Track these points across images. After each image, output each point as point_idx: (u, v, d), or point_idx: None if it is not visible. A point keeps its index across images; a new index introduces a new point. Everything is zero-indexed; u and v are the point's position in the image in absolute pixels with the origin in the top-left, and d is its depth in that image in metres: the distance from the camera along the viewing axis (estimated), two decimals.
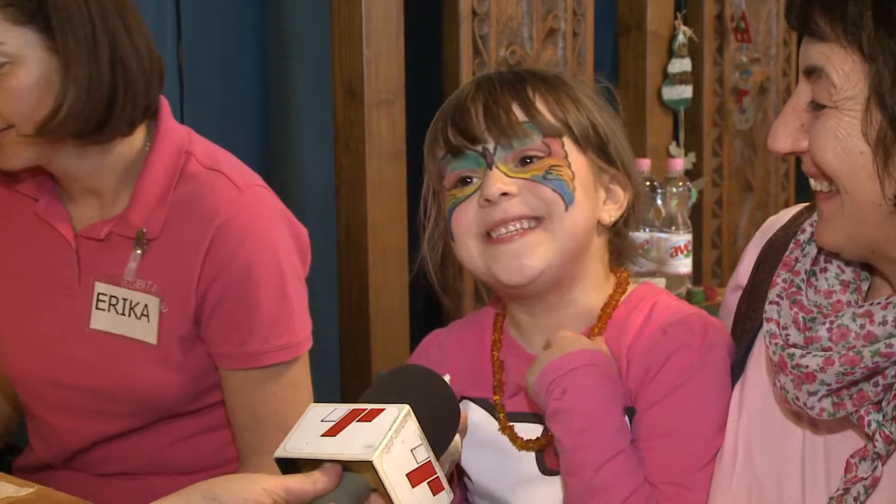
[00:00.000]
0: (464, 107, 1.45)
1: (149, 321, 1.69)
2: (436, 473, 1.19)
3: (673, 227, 2.80)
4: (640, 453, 1.37)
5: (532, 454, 1.45)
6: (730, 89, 3.24)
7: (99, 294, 1.71)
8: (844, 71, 1.16)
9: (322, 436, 1.18)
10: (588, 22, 2.83)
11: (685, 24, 3.10)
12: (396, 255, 2.50)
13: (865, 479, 1.20)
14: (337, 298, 2.55)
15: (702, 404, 1.38)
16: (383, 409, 1.18)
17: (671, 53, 3.08)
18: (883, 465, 1.20)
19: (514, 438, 1.46)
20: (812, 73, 1.20)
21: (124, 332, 1.70)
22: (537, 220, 1.41)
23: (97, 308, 1.71)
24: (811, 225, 1.33)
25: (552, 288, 1.44)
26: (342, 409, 1.20)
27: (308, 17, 2.56)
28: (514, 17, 2.68)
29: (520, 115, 1.42)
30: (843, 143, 1.17)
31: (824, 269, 1.30)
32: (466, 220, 1.43)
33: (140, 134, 1.72)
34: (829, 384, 1.19)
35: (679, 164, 2.90)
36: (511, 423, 1.47)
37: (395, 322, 2.49)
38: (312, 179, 2.58)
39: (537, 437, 1.45)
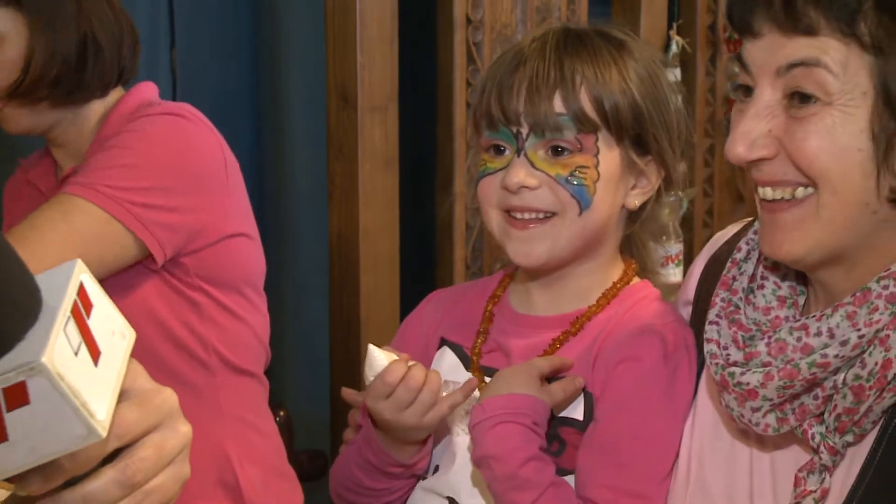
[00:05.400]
0: (511, 79, 1.46)
1: None
2: None
3: (664, 237, 2.79)
4: (595, 461, 1.40)
5: None
6: (721, 99, 3.25)
7: None
8: (842, 63, 1.12)
9: None
10: None
11: (678, 34, 3.10)
12: (388, 262, 2.49)
13: (815, 491, 1.20)
14: (328, 305, 2.54)
15: (651, 421, 1.40)
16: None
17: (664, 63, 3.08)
18: (830, 476, 1.21)
19: (481, 381, 1.51)
20: (798, 66, 1.14)
21: None
22: (552, 213, 1.46)
23: None
24: (747, 243, 1.33)
25: (559, 266, 1.51)
26: None
27: (302, 22, 2.55)
28: (509, 25, 2.67)
29: (559, 106, 1.43)
30: (839, 140, 1.14)
31: (761, 286, 1.30)
32: (490, 194, 1.49)
33: (114, 99, 1.88)
34: (771, 399, 1.20)
35: None
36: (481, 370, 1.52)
37: (387, 330, 2.48)
38: (305, 185, 2.58)
39: None
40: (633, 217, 1.54)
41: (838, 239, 1.19)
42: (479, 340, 1.54)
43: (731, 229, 1.46)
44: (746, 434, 1.29)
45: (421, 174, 2.69)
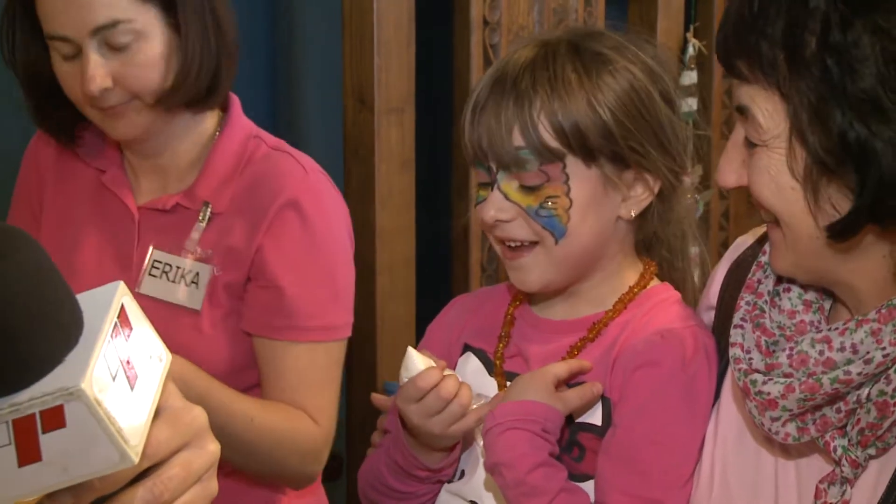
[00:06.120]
0: (477, 117, 1.46)
1: (197, 288, 1.75)
2: None
3: None
4: (613, 468, 1.40)
5: None
6: None
7: (154, 261, 1.78)
8: (768, 111, 1.19)
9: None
10: None
11: (695, 36, 3.09)
12: (404, 264, 2.49)
13: (835, 503, 1.20)
14: None
15: (669, 426, 1.39)
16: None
17: (681, 65, 3.07)
18: (851, 488, 1.21)
19: (503, 385, 1.51)
20: (742, 112, 1.22)
21: (170, 298, 1.76)
22: (535, 241, 1.46)
23: (150, 274, 1.78)
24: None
25: (563, 287, 1.51)
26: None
27: (319, 23, 2.55)
28: (526, 27, 2.67)
29: (518, 139, 1.42)
30: (776, 179, 1.19)
31: (787, 289, 1.31)
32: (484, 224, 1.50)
33: (212, 121, 1.83)
34: (791, 410, 1.20)
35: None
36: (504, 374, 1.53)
37: (402, 331, 2.48)
38: None
39: None
40: (641, 221, 1.51)
41: (809, 263, 1.23)
42: (501, 345, 1.54)
43: (754, 233, 1.46)
44: (771, 442, 1.29)
45: (437, 176, 2.69)
